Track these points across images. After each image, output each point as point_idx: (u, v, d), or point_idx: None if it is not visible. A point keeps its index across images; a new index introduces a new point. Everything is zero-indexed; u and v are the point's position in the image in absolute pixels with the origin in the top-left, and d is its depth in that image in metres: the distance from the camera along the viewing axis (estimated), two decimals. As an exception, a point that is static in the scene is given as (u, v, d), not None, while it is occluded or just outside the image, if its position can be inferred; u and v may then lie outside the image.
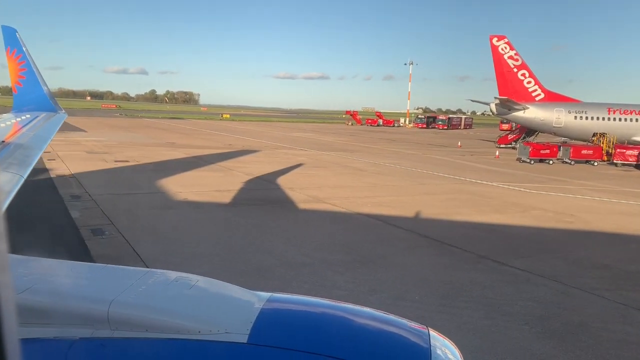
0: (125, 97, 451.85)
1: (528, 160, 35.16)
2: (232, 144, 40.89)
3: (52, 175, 20.53)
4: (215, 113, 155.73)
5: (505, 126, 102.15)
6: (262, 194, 18.40)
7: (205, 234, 12.51)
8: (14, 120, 8.50)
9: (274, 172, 24.56)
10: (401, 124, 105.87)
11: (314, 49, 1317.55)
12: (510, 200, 19.57)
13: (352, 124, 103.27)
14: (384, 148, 44.50)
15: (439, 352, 2.16)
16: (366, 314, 2.45)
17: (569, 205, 18.99)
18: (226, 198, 17.44)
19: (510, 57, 45.63)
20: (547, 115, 44.39)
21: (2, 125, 7.74)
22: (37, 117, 9.42)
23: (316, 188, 20.18)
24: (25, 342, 2.01)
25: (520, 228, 15.00)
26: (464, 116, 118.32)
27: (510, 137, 51.26)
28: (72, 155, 27.50)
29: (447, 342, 2.32)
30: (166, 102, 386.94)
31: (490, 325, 7.84)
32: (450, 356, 2.22)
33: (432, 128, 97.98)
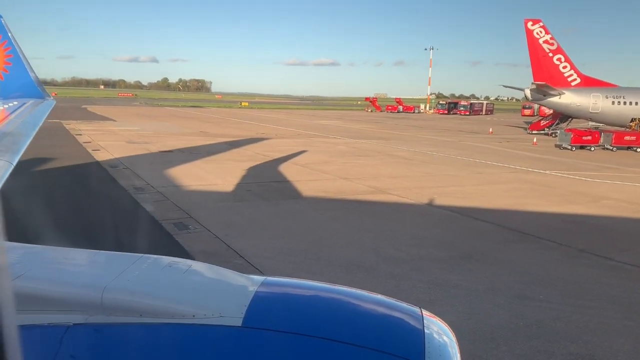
0: (138, 86, 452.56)
1: (569, 147, 34.36)
2: (265, 133, 40.53)
3: (104, 167, 20.32)
4: (230, 101, 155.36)
5: (527, 112, 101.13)
6: (322, 185, 18.01)
7: (288, 228, 12.17)
8: (0, 108, 8.38)
9: (322, 161, 24.17)
10: (421, 110, 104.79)
11: (324, 36, 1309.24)
12: (575, 189, 19.00)
13: (371, 111, 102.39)
14: (417, 135, 43.88)
15: (432, 332, 2.16)
16: (359, 295, 2.43)
17: (638, 195, 18.38)
18: (288, 190, 17.08)
19: (546, 42, 44.53)
20: (584, 100, 43.36)
21: None
22: (24, 103, 9.24)
23: (372, 178, 19.77)
24: (19, 328, 2.03)
25: (602, 219, 14.50)
26: (485, 102, 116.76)
27: (543, 123, 50.22)
28: (114, 145, 27.29)
29: (440, 323, 2.31)
30: (179, 89, 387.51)
31: (638, 327, 7.43)
32: (443, 337, 2.21)
33: (453, 114, 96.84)
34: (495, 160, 26.70)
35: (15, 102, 9.21)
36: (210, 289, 2.29)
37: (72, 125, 40.13)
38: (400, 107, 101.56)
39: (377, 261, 10.03)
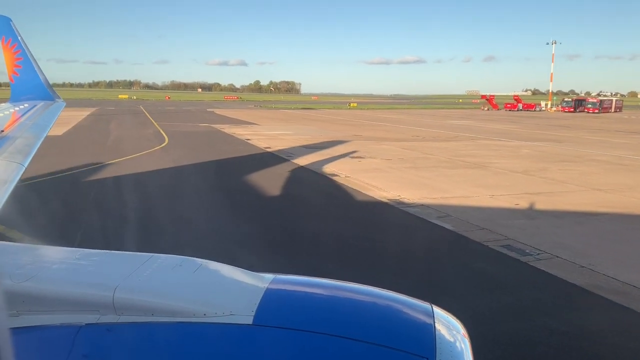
0: (231, 88, 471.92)
1: None
2: (418, 135, 39.00)
3: (323, 174, 19.60)
4: (330, 102, 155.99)
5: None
6: (585, 198, 15.98)
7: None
8: (12, 110, 8.29)
9: (534, 168, 22.08)
10: (543, 108, 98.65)
11: (409, 33, 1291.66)
12: None
13: (488, 109, 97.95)
14: (580, 136, 40.32)
15: (443, 328, 2.07)
16: (369, 292, 2.32)
17: None
18: (554, 203, 15.16)
19: None
20: None
21: (1, 114, 7.59)
22: (35, 106, 9.17)
23: (628, 190, 17.52)
24: (32, 329, 1.97)
25: None
26: (614, 98, 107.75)
27: None
28: (298, 152, 26.86)
29: (451, 319, 2.21)
30: (271, 91, 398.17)
31: None
32: (454, 332, 2.11)
33: (579, 112, 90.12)
34: None
35: (27, 105, 9.21)
36: (221, 288, 2.21)
37: (227, 130, 40.90)
38: (520, 105, 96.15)
39: None
